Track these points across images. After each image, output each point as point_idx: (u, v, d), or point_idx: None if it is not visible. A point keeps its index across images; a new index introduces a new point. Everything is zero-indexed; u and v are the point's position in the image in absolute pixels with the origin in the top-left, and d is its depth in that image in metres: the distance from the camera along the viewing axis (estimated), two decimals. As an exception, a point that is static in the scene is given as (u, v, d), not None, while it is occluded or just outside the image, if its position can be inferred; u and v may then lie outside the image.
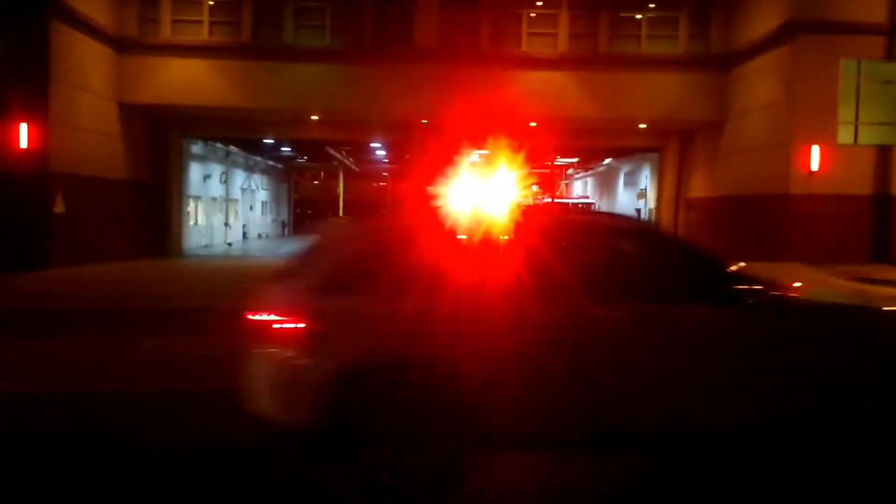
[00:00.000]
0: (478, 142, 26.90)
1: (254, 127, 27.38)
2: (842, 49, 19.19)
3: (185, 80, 22.84)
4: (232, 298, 12.83)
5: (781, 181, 19.87)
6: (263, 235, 46.08)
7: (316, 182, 54.13)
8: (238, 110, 24.16)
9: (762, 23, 21.10)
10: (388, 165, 45.51)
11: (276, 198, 51.02)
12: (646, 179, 32.28)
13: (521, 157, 25.34)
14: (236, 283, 16.21)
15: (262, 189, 46.78)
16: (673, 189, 27.28)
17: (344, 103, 23.93)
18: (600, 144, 28.84)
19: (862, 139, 19.49)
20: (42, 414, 5.78)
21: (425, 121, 25.27)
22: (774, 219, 20.25)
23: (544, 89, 23.48)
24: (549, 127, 25.36)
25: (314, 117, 25.68)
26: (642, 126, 25.83)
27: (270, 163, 46.01)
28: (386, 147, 34.06)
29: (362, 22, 23.77)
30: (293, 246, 37.22)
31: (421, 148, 25.95)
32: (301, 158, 45.16)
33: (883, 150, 19.29)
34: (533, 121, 24.74)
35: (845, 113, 19.46)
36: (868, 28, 19.05)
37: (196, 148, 31.00)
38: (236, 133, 29.18)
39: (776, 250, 19.60)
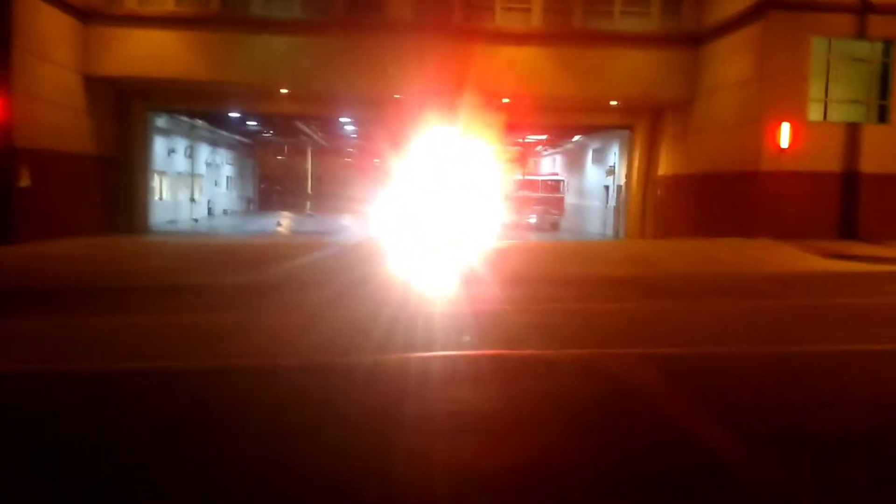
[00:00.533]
0: (451, 118, 26.76)
1: (221, 100, 26.89)
2: (813, 27, 19.47)
3: (151, 51, 22.31)
4: (215, 275, 12.86)
5: (752, 158, 20.07)
6: (229, 212, 45.47)
7: (282, 158, 53.49)
8: (206, 83, 23.69)
9: (734, 0, 21.19)
10: (358, 141, 45.09)
11: (241, 173, 50.31)
12: (615, 157, 32.40)
13: (494, 133, 25.33)
14: (214, 259, 16.11)
15: (227, 164, 46.10)
16: (643, 166, 27.44)
17: (314, 77, 23.60)
18: (572, 122, 28.85)
19: (832, 116, 19.95)
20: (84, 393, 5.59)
21: (398, 95, 25.05)
22: (745, 195, 20.48)
23: (518, 65, 23.38)
24: (522, 103, 25.27)
25: (283, 91, 25.28)
26: (614, 103, 25.89)
27: (236, 137, 45.33)
28: (356, 122, 33.71)
29: (334, -7, 23.43)
30: (261, 223, 37.16)
31: (393, 123, 25.69)
32: (267, 133, 44.57)
33: (851, 128, 19.61)
34: (506, 97, 24.63)
35: (816, 90, 19.85)
36: (839, 6, 19.25)
37: (161, 121, 30.34)
38: (203, 106, 28.63)
39: (746, 226, 19.86)
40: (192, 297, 10.48)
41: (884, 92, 19.76)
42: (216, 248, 18.83)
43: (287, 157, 53.21)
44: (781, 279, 13.16)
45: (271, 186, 55.69)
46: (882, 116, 19.81)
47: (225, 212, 44.47)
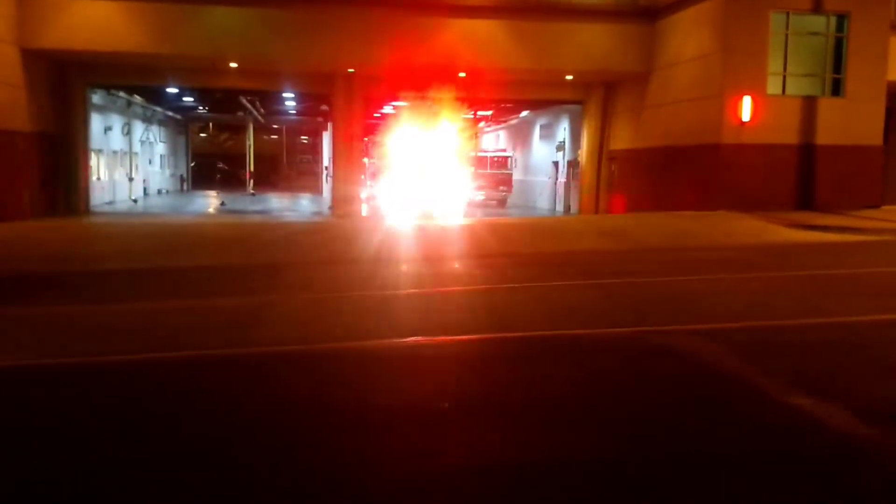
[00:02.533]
0: (408, 93, 26.34)
1: (166, 74, 25.83)
2: (771, 1, 19.70)
3: (94, 23, 21.15)
4: (167, 259, 12.26)
5: (713, 131, 20.28)
6: (164, 191, 43.96)
7: (219, 134, 51.90)
8: (151, 56, 22.66)
9: (692, -26, 21.30)
10: (305, 118, 44.03)
11: (173, 151, 48.66)
12: (564, 132, 32.48)
13: (450, 108, 25.03)
14: (161, 242, 15.42)
15: (160, 142, 44.48)
16: (596, 141, 27.54)
17: (265, 49, 22.81)
18: (526, 96, 28.68)
19: (789, 90, 20.29)
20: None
21: (351, 69, 24.46)
22: (704, 168, 20.72)
23: (475, 38, 23.08)
24: (478, 78, 25.00)
25: (232, 64, 24.40)
26: (569, 77, 25.86)
27: (169, 113, 43.75)
28: (307, 98, 32.85)
29: (286, -37, 22.61)
30: (203, 203, 35.98)
31: (345, 98, 25.07)
32: (202, 109, 43.12)
33: (808, 101, 20.00)
34: (462, 71, 24.31)
35: (774, 64, 20.14)
36: (796, -19, 19.54)
37: (96, 98, 28.99)
38: (147, 81, 27.45)
39: (707, 199, 20.12)
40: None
41: (838, 66, 20.17)
42: (181, 230, 18.05)
43: (225, 134, 51.73)
44: (766, 250, 13.28)
45: (206, 164, 54.09)
46: (836, 90, 20.25)
47: (159, 191, 42.98)
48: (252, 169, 44.09)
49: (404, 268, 11.45)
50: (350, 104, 25.09)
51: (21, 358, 5.90)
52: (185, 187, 49.99)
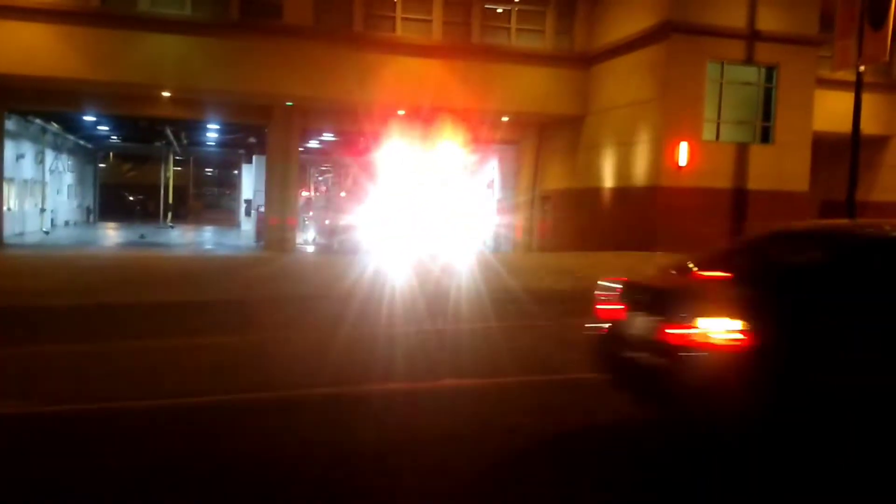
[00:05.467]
0: (345, 127, 26.13)
1: (94, 102, 24.77)
2: (708, 51, 20.63)
3: (23, 46, 20.13)
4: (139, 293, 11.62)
5: (651, 174, 20.93)
6: (70, 223, 41.88)
7: (131, 165, 49.89)
8: (82, 82, 21.73)
9: (631, 22, 22.04)
10: (222, 149, 42.91)
11: (80, 180, 46.50)
12: (493, 171, 32.82)
13: (388, 144, 24.90)
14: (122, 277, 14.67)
15: (69, 171, 42.45)
16: (529, 181, 27.97)
17: (203, 79, 22.23)
18: (464, 135, 28.85)
19: (723, 136, 21.21)
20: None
21: (290, 102, 24.09)
22: (642, 210, 21.27)
23: (415, 76, 23.14)
24: (417, 116, 25.04)
25: (166, 94, 23.64)
26: (505, 119, 26.24)
27: (80, 142, 41.89)
28: (231, 129, 32.06)
29: (228, -7, 22.23)
30: (117, 235, 34.44)
31: (282, 130, 24.62)
32: (115, 138, 41.48)
33: (741, 147, 20.93)
34: (403, 108, 24.33)
35: (710, 111, 21.04)
36: (731, 32, 20.51)
37: (10, 124, 27.46)
38: (72, 108, 26.23)
39: (645, 240, 20.60)
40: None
41: (767, 114, 21.24)
42: (121, 263, 17.18)
43: (134, 164, 49.80)
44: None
45: (114, 195, 51.93)
46: (766, 137, 21.29)
47: (67, 223, 40.92)
48: (171, 201, 42.63)
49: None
50: (287, 137, 24.64)
51: None
52: (91, 219, 47.78)
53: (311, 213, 25.58)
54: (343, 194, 21.83)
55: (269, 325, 9.58)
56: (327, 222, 21.88)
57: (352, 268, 15.91)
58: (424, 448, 4.92)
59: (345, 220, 20.25)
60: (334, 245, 20.61)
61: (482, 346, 8.54)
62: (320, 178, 25.96)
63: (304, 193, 27.72)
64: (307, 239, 24.94)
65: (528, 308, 11.41)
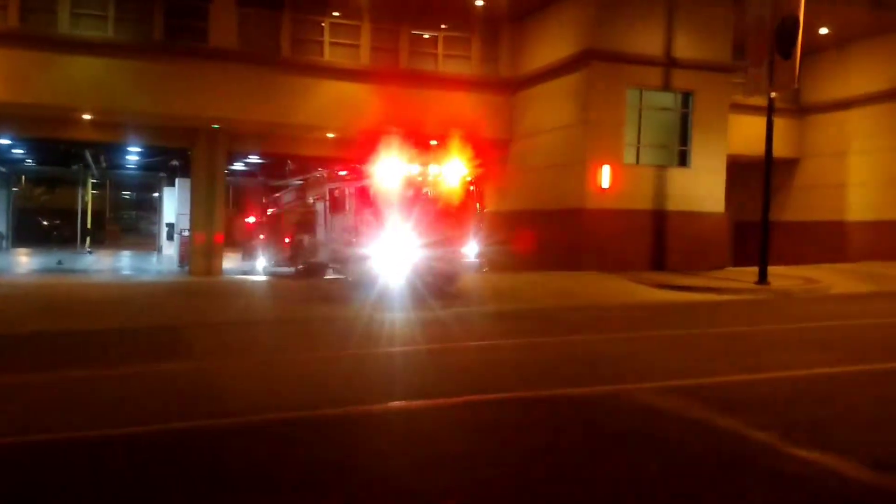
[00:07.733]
0: (273, 150, 25.98)
1: (11, 125, 24.00)
2: (628, 78, 21.39)
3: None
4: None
5: (576, 197, 21.47)
6: (-20, 249, 40.23)
7: (46, 189, 48.16)
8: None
9: (554, 50, 22.69)
10: (142, 172, 41.95)
11: (-8, 205, 44.72)
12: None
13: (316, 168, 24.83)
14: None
15: (-21, 196, 40.85)
16: (458, 203, 28.22)
17: (126, 102, 21.79)
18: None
19: (643, 160, 21.95)
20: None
21: (216, 125, 23.82)
22: (568, 231, 21.76)
23: (344, 101, 23.28)
24: (346, 140, 25.09)
25: (86, 116, 23.09)
26: (434, 143, 26.47)
27: (-8, 166, 40.39)
28: (153, 152, 31.44)
29: (151, 15, 21.94)
30: (33, 261, 33.17)
31: (208, 153, 24.27)
32: (30, 161, 40.15)
33: (659, 170, 21.69)
34: (331, 132, 24.38)
35: (630, 136, 21.78)
36: (649, 60, 21.32)
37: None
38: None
39: (572, 260, 21.12)
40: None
41: (684, 138, 22.09)
42: (44, 291, 16.61)
43: (51, 188, 48.15)
44: (649, 309, 14.20)
45: (28, 221, 50.06)
46: (683, 160, 22.11)
47: (-25, 249, 39.30)
48: (89, 225, 41.39)
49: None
50: (213, 159, 24.30)
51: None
52: (3, 245, 45.93)
53: (261, 237, 25.26)
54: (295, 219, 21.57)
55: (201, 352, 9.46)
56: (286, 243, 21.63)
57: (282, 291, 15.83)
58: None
59: (306, 241, 19.95)
60: (296, 269, 20.44)
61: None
62: (268, 201, 25.78)
63: (250, 220, 27.33)
64: (259, 267, 24.60)
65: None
